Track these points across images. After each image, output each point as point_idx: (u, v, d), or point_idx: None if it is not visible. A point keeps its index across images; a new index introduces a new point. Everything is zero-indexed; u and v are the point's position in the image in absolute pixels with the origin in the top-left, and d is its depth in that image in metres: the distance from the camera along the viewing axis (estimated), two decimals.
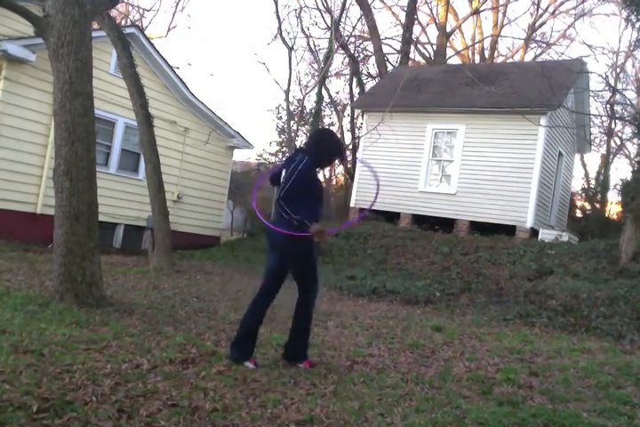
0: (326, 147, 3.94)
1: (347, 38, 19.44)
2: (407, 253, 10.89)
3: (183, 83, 13.40)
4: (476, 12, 23.12)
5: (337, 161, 4.36)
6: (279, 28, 18.88)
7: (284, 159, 5.10)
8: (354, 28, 22.37)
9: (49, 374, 3.03)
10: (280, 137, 21.96)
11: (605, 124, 22.59)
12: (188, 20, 39.27)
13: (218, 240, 14.84)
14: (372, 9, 20.29)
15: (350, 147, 19.15)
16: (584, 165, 24.46)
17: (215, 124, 14.21)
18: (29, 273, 6.71)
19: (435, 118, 13.29)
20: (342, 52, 19.30)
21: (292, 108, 20.55)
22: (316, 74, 21.24)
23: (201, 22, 43.79)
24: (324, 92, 19.79)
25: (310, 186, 3.85)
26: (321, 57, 19.62)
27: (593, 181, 23.42)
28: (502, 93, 12.16)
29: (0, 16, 9.91)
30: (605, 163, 23.01)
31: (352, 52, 20.19)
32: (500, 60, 24.96)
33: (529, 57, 24.35)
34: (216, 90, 40.12)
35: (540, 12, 23.88)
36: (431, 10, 23.74)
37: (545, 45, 24.44)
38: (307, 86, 22.19)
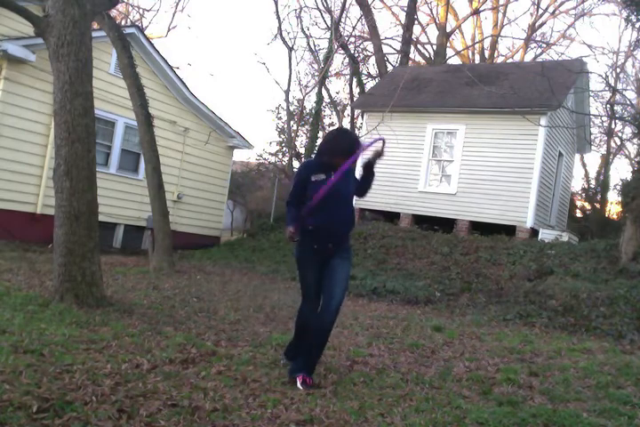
0: (328, 145, 3.67)
1: (347, 38, 19.44)
2: (407, 253, 10.89)
3: (183, 83, 13.41)
4: (476, 12, 23.12)
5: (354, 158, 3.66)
6: (279, 28, 18.92)
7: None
8: (354, 28, 22.39)
9: (49, 374, 3.03)
10: (280, 137, 21.97)
11: (605, 124, 22.60)
12: (187, 20, 39.24)
13: (218, 240, 14.85)
14: (372, 9, 20.29)
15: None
16: (584, 165, 24.46)
17: (215, 124, 14.21)
18: (29, 273, 6.72)
19: (435, 118, 13.29)
20: (342, 52, 19.30)
21: (292, 108, 20.56)
22: (316, 74, 21.24)
23: (201, 22, 43.83)
24: (324, 92, 19.81)
25: (303, 186, 3.63)
26: (321, 57, 19.61)
27: (593, 181, 23.42)
28: (502, 93, 12.16)
29: (0, 16, 9.92)
30: (605, 163, 23.00)
31: (352, 52, 20.20)
32: (500, 60, 24.96)
33: (529, 57, 24.38)
34: (216, 90, 40.15)
35: (540, 12, 23.90)
36: (431, 10, 23.78)
37: (545, 45, 24.44)
38: (307, 86, 22.20)
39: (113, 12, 15.72)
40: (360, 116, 17.15)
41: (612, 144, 23.68)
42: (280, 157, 21.41)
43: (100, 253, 5.41)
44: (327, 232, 3.60)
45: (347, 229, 3.72)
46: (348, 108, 21.91)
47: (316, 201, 3.53)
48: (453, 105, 13.09)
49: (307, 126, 20.78)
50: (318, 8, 20.54)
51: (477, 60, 24.31)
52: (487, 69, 15.37)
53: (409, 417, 2.99)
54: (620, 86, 21.67)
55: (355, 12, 42.62)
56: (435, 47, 22.65)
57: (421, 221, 13.06)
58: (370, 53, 21.44)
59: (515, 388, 3.83)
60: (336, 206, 3.61)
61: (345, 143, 3.64)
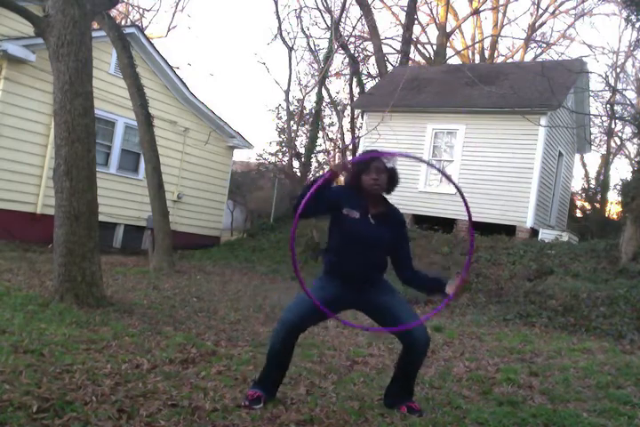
0: (354, 168, 3.09)
1: (347, 38, 19.42)
2: None
3: (183, 83, 13.41)
4: (476, 12, 23.11)
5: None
6: (279, 28, 18.88)
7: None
8: (354, 28, 22.34)
9: (49, 374, 3.03)
10: (280, 137, 21.94)
11: (605, 124, 22.58)
12: (187, 20, 39.23)
13: (218, 240, 14.84)
14: (372, 9, 20.28)
15: (350, 147, 19.15)
16: (584, 165, 24.46)
17: (215, 124, 14.21)
18: (29, 273, 6.72)
19: (435, 118, 13.29)
20: (342, 52, 19.28)
21: (291, 108, 20.54)
22: (316, 74, 21.23)
23: (201, 22, 43.82)
24: (324, 92, 19.78)
25: (329, 202, 3.05)
26: (321, 57, 19.60)
27: (593, 181, 23.41)
28: (502, 93, 12.16)
29: (0, 16, 9.92)
30: (605, 163, 23.00)
31: (352, 52, 20.17)
32: (500, 60, 24.95)
33: (529, 57, 24.36)
34: (216, 90, 40.14)
35: (540, 12, 23.90)
36: (431, 10, 23.76)
37: (545, 45, 24.43)
38: (307, 86, 22.18)
39: (113, 12, 15.72)
40: (360, 116, 17.14)
41: (612, 144, 23.69)
42: (280, 156, 21.39)
43: (99, 253, 5.41)
44: (350, 276, 3.07)
45: (375, 274, 3.15)
46: (348, 108, 21.89)
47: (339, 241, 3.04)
48: (453, 105, 13.09)
49: (307, 126, 20.76)
50: (318, 8, 20.51)
51: (477, 60, 24.30)
52: (487, 69, 15.37)
53: (409, 417, 2.98)
54: (620, 86, 21.68)
55: (355, 12, 42.67)
56: (435, 47, 22.63)
57: (421, 221, 13.05)
58: (370, 53, 21.42)
59: (515, 388, 3.83)
60: (362, 252, 3.03)
61: (366, 157, 3.10)
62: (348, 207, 3.02)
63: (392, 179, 3.14)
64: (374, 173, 3.02)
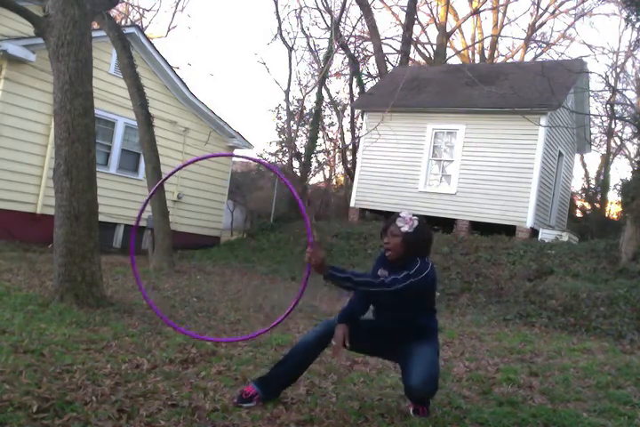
0: None
1: (347, 38, 19.41)
2: None
3: (183, 83, 13.41)
4: (476, 12, 23.11)
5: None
6: (279, 28, 18.85)
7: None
8: (354, 28, 22.32)
9: (49, 374, 3.03)
10: (280, 137, 21.94)
11: (605, 124, 22.58)
12: (187, 20, 39.26)
13: (218, 240, 14.85)
14: (372, 9, 20.26)
15: (350, 147, 19.16)
16: (584, 165, 24.47)
17: (215, 124, 14.21)
18: (29, 273, 6.71)
19: (435, 118, 13.29)
20: (342, 52, 19.28)
21: (291, 108, 20.54)
22: (316, 74, 21.22)
23: (201, 22, 43.82)
24: (324, 92, 19.77)
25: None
26: (321, 57, 19.60)
27: (593, 181, 23.42)
28: (502, 93, 12.16)
29: (0, 16, 9.92)
30: (605, 163, 23.00)
31: (352, 52, 20.17)
32: (500, 60, 24.95)
33: (529, 57, 24.36)
34: (216, 90, 40.15)
35: (540, 12, 23.90)
36: (431, 10, 23.76)
37: (545, 45, 24.44)
38: (307, 86, 22.16)
39: (113, 12, 15.73)
40: (360, 116, 17.14)
41: (612, 144, 23.69)
42: (280, 156, 21.38)
43: (99, 253, 5.41)
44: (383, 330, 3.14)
45: (406, 330, 3.08)
46: (348, 108, 21.88)
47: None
48: (453, 105, 13.09)
49: (307, 126, 20.76)
50: (318, 8, 20.47)
51: (477, 60, 24.30)
52: (487, 69, 15.37)
53: (409, 417, 2.98)
54: (620, 86, 21.70)
55: (355, 12, 42.62)
56: (435, 47, 22.63)
57: None
58: (370, 53, 21.42)
59: (515, 388, 3.83)
60: (388, 311, 3.10)
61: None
62: (381, 268, 3.17)
63: (406, 242, 3.08)
64: (387, 237, 3.10)
